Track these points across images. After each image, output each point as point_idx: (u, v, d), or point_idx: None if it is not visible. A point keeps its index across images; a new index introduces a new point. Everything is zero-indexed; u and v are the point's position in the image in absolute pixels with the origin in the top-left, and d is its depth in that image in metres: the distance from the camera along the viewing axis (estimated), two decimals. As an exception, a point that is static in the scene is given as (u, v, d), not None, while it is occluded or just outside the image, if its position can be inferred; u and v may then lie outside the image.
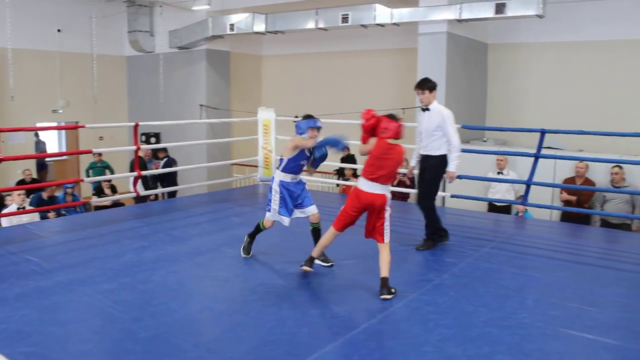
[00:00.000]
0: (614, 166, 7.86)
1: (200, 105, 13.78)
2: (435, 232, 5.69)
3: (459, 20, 9.70)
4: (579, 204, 8.19)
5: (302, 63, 14.30)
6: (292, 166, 4.85)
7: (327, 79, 13.75)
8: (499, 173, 8.67)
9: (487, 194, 8.94)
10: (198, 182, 9.67)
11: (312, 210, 4.96)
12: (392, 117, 4.45)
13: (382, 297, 4.15)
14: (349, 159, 11.69)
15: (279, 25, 11.82)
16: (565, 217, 8.29)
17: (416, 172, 5.85)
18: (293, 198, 4.90)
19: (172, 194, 9.90)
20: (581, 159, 7.99)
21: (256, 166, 9.37)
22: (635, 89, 9.77)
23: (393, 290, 4.21)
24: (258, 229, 5.09)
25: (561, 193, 8.45)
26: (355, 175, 11.24)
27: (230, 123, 13.56)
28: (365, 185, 4.35)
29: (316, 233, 4.99)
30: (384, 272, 4.24)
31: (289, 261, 5.08)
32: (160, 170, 9.70)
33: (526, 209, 8.17)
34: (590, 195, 8.23)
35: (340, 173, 11.43)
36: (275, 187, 4.87)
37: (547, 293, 4.41)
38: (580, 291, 4.47)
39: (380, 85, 12.63)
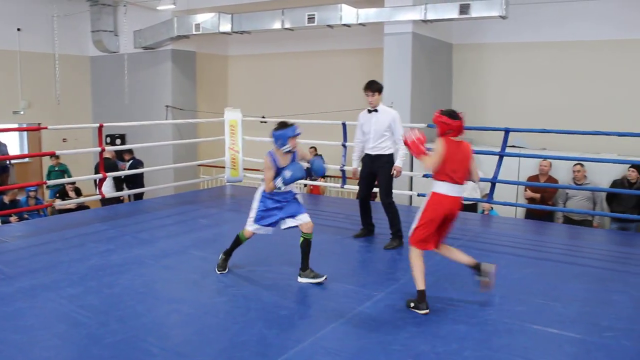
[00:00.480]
0: (576, 164, 8.04)
1: (166, 105, 13.64)
2: (371, 224, 6.05)
3: (424, 21, 9.79)
4: (543, 201, 8.35)
5: (268, 63, 14.26)
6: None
7: (293, 79, 13.74)
8: (464, 172, 8.78)
9: (453, 193, 9.03)
10: (164, 183, 9.56)
11: (303, 218, 4.56)
12: (451, 114, 4.10)
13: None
14: (317, 159, 11.66)
15: (245, 26, 11.76)
16: (530, 215, 8.45)
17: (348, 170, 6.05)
18: (279, 208, 4.59)
19: (138, 196, 9.78)
20: (544, 157, 8.14)
21: (223, 167, 9.31)
22: (596, 88, 10.00)
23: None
24: (237, 242, 4.78)
25: (525, 191, 8.59)
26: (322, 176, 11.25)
27: (196, 124, 13.46)
28: (447, 189, 4.05)
29: (306, 245, 4.55)
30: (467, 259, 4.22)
31: (257, 263, 5.06)
32: (127, 172, 9.56)
33: (492, 207, 8.29)
34: (553, 193, 8.39)
35: (309, 173, 11.41)
36: (257, 195, 4.66)
37: (513, 289, 4.48)
38: (545, 287, 4.56)
39: (347, 85, 12.66)
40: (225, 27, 11.92)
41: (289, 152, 4.54)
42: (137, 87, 13.98)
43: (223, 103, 13.80)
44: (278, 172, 4.52)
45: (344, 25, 10.73)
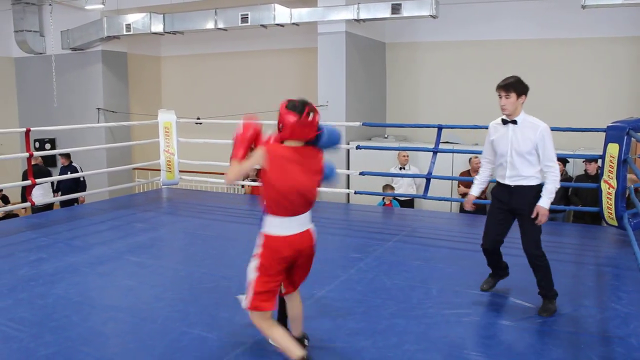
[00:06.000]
0: (506, 158, 8.30)
1: (98, 108, 13.26)
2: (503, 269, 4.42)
3: (357, 20, 9.91)
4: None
5: (202, 64, 14.09)
6: None
7: (228, 80, 13.63)
8: (401, 168, 8.93)
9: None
10: (98, 188, 9.28)
11: None
12: None
13: None
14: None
15: (178, 26, 11.58)
16: (464, 209, 8.67)
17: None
18: None
19: (71, 202, 9.44)
20: (476, 153, 8.37)
21: (159, 170, 9.14)
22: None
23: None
24: None
25: (459, 187, 8.81)
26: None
27: (130, 126, 13.14)
28: None
29: None
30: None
31: (194, 265, 5.00)
32: (60, 177, 9.20)
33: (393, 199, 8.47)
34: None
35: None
36: None
37: (449, 282, 4.59)
38: (479, 279, 4.68)
39: (281, 85, 12.66)
40: (157, 27, 11.69)
41: None
42: (67, 90, 13.51)
43: (157, 105, 13.52)
44: None
45: (278, 25, 10.72)
